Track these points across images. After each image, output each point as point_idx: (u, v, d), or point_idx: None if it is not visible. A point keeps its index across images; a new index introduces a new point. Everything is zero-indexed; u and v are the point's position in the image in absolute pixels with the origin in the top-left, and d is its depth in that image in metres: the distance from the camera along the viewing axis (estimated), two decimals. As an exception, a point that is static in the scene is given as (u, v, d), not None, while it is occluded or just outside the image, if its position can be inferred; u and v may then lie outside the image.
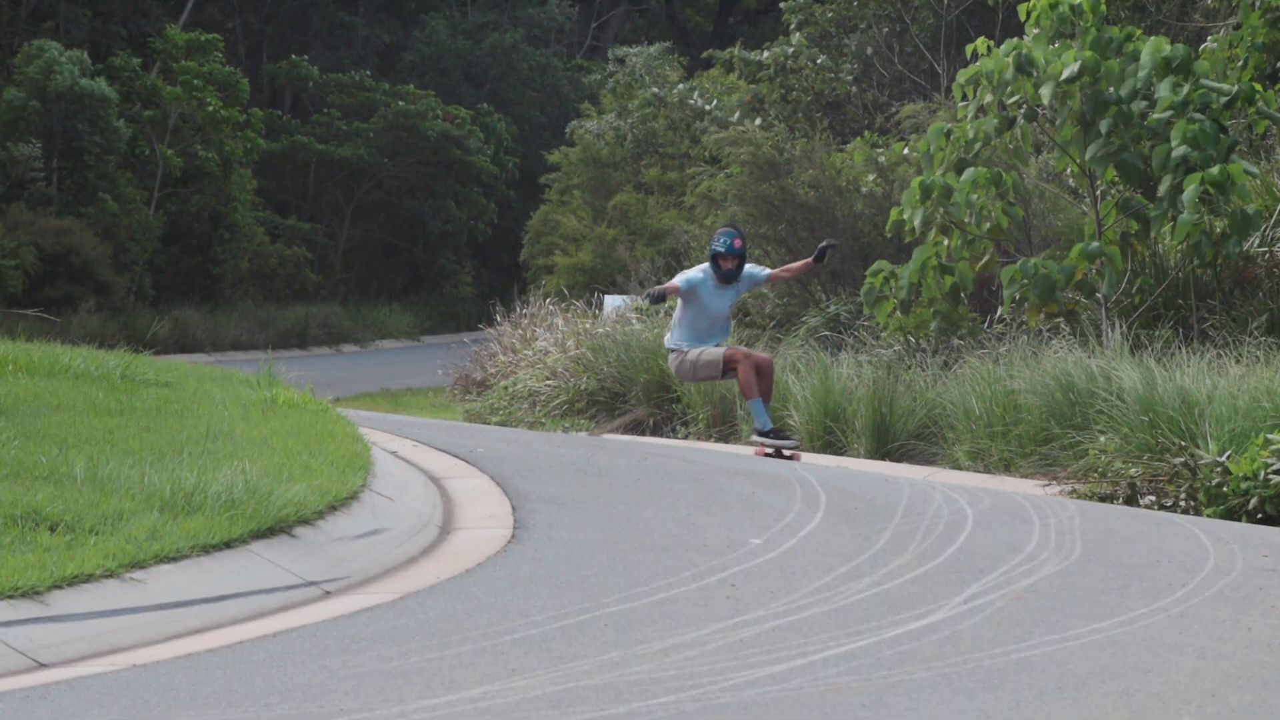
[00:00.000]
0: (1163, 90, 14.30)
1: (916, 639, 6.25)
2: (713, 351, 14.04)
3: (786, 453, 13.70)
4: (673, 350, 14.24)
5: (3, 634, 6.05)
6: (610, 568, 7.65)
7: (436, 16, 51.61)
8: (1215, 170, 13.67)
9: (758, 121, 24.87)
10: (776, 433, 13.87)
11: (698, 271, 14.08)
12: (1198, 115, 14.11)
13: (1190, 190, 13.70)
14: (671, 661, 5.89)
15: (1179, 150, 13.93)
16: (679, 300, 14.25)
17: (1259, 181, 15.07)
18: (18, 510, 7.12)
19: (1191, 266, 14.46)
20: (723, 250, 13.96)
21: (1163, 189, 14.04)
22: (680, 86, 31.68)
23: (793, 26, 26.37)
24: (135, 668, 5.87)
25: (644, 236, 30.21)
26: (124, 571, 6.70)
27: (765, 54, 26.58)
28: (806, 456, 14.15)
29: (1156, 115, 14.26)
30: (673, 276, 15.38)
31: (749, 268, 14.20)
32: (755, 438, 13.93)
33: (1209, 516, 10.65)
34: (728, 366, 13.96)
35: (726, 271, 13.90)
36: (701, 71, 32.99)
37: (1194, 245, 13.88)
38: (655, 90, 32.61)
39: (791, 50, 25.91)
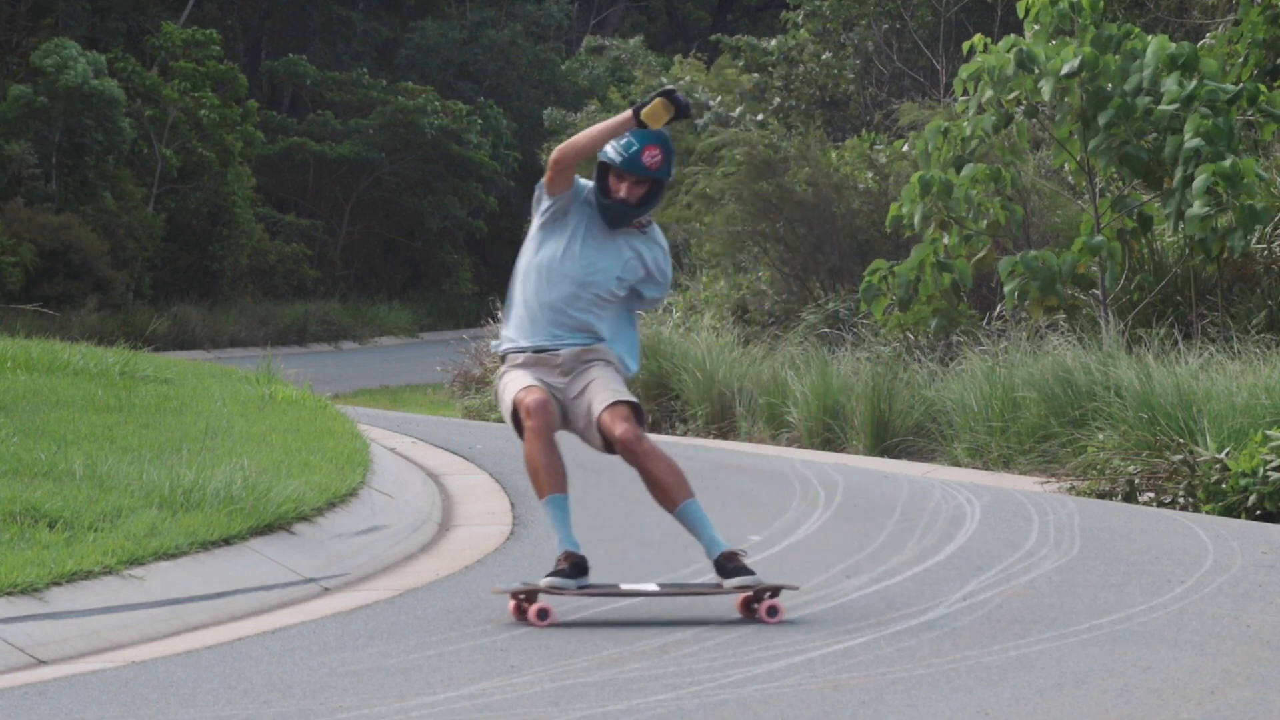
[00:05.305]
0: (1169, 85, 14.29)
1: (916, 636, 6.25)
2: (517, 376, 6.89)
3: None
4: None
5: (2, 631, 6.05)
6: (609, 565, 7.66)
7: (430, 20, 51.53)
8: (1227, 164, 13.63)
9: (759, 117, 24.87)
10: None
11: (588, 184, 7.04)
12: (1206, 110, 14.09)
13: (1200, 180, 13.65)
14: (670, 658, 5.89)
15: (1192, 142, 13.90)
16: (542, 220, 7.05)
17: (1262, 180, 15.04)
18: (17, 507, 7.12)
19: (1195, 261, 14.44)
20: (619, 161, 6.89)
21: (1175, 180, 14.00)
22: (686, 79, 31.70)
23: (799, 21, 26.38)
24: (134, 665, 5.87)
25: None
26: (123, 568, 6.70)
27: (772, 42, 26.64)
28: (807, 453, 14.10)
29: (1163, 107, 14.24)
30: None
31: (658, 235, 7.13)
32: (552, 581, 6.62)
33: (1208, 513, 10.65)
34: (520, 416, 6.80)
35: (616, 206, 6.91)
36: (707, 67, 32.97)
37: (1199, 240, 13.85)
38: (663, 80, 32.58)
39: (795, 42, 25.95)
